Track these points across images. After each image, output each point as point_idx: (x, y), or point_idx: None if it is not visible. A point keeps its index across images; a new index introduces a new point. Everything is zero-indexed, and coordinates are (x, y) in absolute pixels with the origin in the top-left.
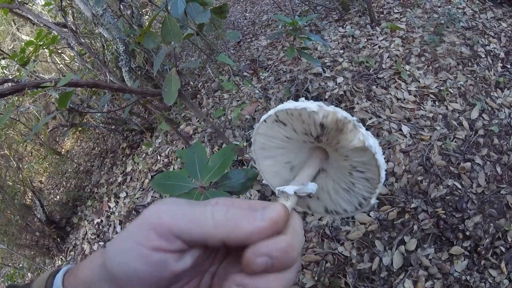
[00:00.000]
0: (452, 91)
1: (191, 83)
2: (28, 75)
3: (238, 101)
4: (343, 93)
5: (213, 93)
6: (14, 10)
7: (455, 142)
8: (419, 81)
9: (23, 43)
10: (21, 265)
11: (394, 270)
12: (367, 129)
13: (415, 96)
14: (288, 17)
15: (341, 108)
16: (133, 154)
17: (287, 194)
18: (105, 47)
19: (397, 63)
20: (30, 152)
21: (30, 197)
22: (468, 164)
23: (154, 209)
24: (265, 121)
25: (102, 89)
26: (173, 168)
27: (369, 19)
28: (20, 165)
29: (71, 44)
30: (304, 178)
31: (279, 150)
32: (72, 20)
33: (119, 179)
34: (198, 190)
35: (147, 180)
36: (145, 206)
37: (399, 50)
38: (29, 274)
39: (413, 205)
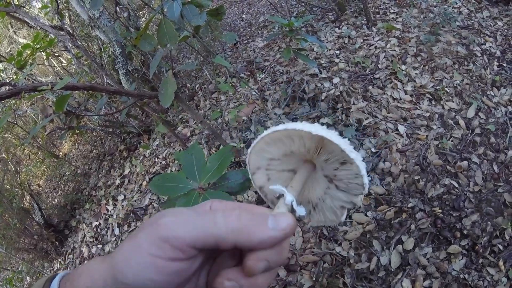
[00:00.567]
0: (448, 90)
1: (188, 85)
2: (25, 78)
3: (235, 102)
4: (339, 93)
5: (210, 95)
6: (11, 13)
7: (452, 141)
8: (415, 81)
9: (20, 46)
10: (19, 269)
11: (392, 270)
12: (363, 129)
13: (411, 95)
14: (285, 19)
15: (338, 108)
16: (130, 156)
17: (285, 201)
18: (102, 49)
19: (393, 63)
20: (28, 155)
21: (28, 200)
22: (465, 163)
23: (163, 222)
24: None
25: (99, 92)
26: (171, 170)
27: (365, 19)
28: (18, 169)
29: (68, 47)
30: (298, 184)
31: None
32: (69, 23)
33: (117, 181)
34: (197, 191)
35: (144, 183)
36: (143, 208)
37: (395, 50)
38: (28, 277)
39: (410, 205)
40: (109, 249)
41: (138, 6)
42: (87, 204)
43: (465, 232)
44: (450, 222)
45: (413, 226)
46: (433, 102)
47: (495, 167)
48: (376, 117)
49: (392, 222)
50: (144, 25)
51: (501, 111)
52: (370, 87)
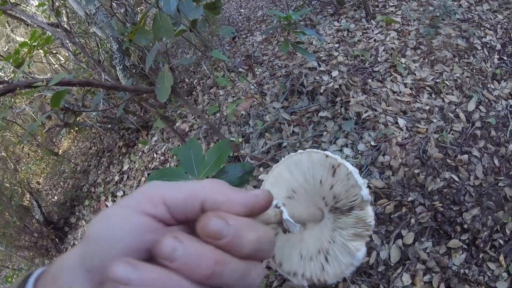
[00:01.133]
0: (448, 84)
1: (186, 80)
2: (23, 76)
3: (233, 97)
4: (338, 87)
5: (208, 89)
6: (7, 11)
7: (452, 134)
8: (415, 74)
9: (18, 45)
10: (20, 267)
11: (392, 264)
12: (363, 122)
13: (411, 89)
14: (283, 12)
15: (337, 102)
16: (129, 152)
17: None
18: (100, 46)
19: (393, 56)
20: (27, 153)
21: (27, 198)
22: (465, 156)
23: (155, 184)
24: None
25: (95, 87)
26: (170, 166)
27: (364, 12)
28: (18, 167)
29: (65, 44)
30: (302, 214)
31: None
32: (66, 20)
33: (116, 178)
34: None
35: (143, 178)
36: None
37: (394, 43)
38: None
39: (410, 198)
40: None
41: (135, 2)
42: (87, 201)
43: (465, 226)
44: (450, 216)
45: (413, 220)
46: (433, 95)
47: (496, 161)
48: (376, 110)
49: (391, 216)
50: (139, 19)
51: (501, 104)
52: (370, 80)
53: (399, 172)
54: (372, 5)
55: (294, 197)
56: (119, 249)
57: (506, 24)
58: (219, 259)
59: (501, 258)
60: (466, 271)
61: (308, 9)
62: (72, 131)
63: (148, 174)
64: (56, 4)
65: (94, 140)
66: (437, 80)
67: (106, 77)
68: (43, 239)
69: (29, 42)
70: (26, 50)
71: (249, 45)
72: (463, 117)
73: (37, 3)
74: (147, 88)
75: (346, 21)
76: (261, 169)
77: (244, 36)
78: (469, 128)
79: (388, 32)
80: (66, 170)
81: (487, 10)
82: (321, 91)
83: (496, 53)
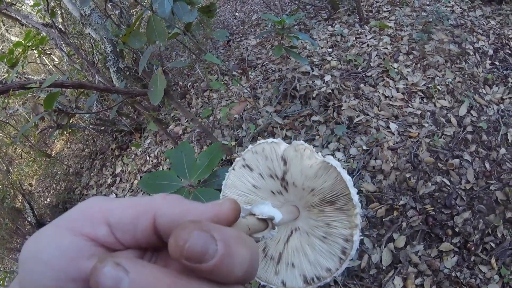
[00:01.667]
0: (440, 88)
1: (180, 83)
2: (16, 76)
3: (227, 100)
4: (331, 91)
5: (202, 93)
6: (2, 11)
7: (443, 139)
8: (407, 79)
9: (12, 44)
10: (12, 269)
11: (383, 268)
12: (355, 127)
13: (403, 93)
14: (277, 17)
15: (329, 106)
16: (122, 155)
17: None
18: (94, 47)
19: (386, 61)
20: (20, 154)
21: (20, 200)
22: (457, 160)
23: (93, 201)
24: (233, 168)
25: (88, 89)
26: (163, 169)
27: (358, 17)
28: (10, 168)
29: (60, 45)
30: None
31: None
32: (61, 20)
33: (109, 180)
34: (187, 188)
35: (136, 181)
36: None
37: (387, 48)
38: None
39: (401, 202)
40: None
41: (130, 4)
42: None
43: (456, 229)
44: (441, 219)
45: (404, 224)
46: (425, 100)
47: (487, 165)
48: (368, 114)
49: (383, 219)
50: (133, 22)
51: (493, 109)
52: (362, 85)
53: (391, 176)
54: (366, 10)
55: (257, 195)
56: (50, 277)
57: (498, 29)
58: None
59: (493, 261)
60: (458, 274)
61: (302, 14)
62: (65, 132)
63: (140, 177)
64: (51, 4)
65: (87, 142)
66: (429, 85)
67: (100, 79)
68: None
69: (23, 42)
70: (20, 50)
71: (243, 48)
72: (454, 121)
73: (32, 3)
74: (141, 90)
75: (340, 26)
76: None
77: (239, 39)
78: (461, 132)
79: (381, 37)
80: (59, 172)
81: (479, 16)
82: (314, 95)
83: (488, 58)
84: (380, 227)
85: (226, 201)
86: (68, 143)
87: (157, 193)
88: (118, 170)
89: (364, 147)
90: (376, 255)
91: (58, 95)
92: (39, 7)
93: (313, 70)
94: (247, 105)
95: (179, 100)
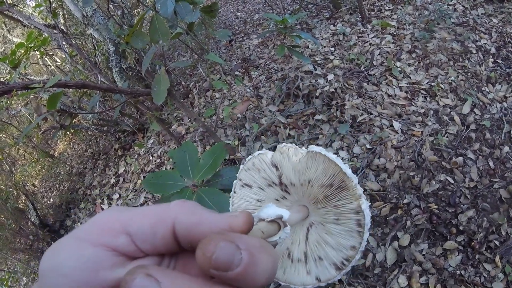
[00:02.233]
0: (443, 87)
1: (183, 83)
2: (19, 77)
3: (230, 100)
4: (334, 90)
5: (204, 92)
6: (4, 12)
7: (447, 137)
8: (410, 77)
9: (14, 46)
10: (15, 269)
11: (388, 266)
12: (358, 126)
13: (406, 92)
14: (279, 16)
15: (332, 105)
16: (125, 155)
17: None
18: (96, 48)
19: (388, 59)
20: (23, 155)
21: (23, 200)
22: (460, 159)
23: (112, 211)
24: (234, 192)
25: (91, 89)
26: (166, 169)
27: (360, 16)
28: (13, 169)
29: (62, 46)
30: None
31: None
32: (63, 21)
33: (112, 180)
34: (190, 188)
35: (139, 181)
36: (137, 207)
37: (390, 47)
38: (24, 278)
39: (405, 201)
40: None
41: (132, 4)
42: (82, 204)
43: (461, 228)
44: (445, 218)
45: (408, 222)
46: (428, 99)
47: (491, 163)
48: (371, 113)
49: (387, 218)
50: (136, 22)
51: (496, 107)
52: (365, 84)
53: (395, 174)
54: (368, 9)
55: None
56: None
57: (501, 27)
58: None
59: (497, 259)
60: (462, 272)
61: (304, 13)
62: (68, 133)
63: (144, 177)
64: (53, 5)
65: (90, 142)
66: (432, 84)
67: (103, 79)
68: (38, 241)
69: (25, 43)
70: (23, 51)
71: (245, 48)
72: (458, 120)
73: (34, 4)
74: (143, 90)
75: (342, 25)
76: None
77: (241, 39)
78: (464, 130)
79: (384, 36)
80: (62, 173)
81: (482, 14)
82: (317, 94)
83: (491, 56)
84: (385, 226)
85: (240, 213)
86: (71, 143)
87: (160, 193)
88: (121, 170)
89: (368, 146)
90: (380, 254)
91: (61, 95)
92: (41, 8)
93: (316, 69)
94: (250, 104)
95: (182, 100)
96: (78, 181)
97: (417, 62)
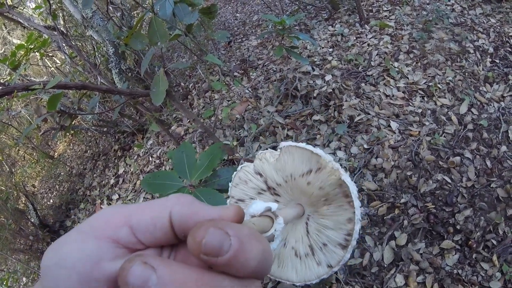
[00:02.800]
0: (440, 87)
1: (182, 84)
2: (19, 79)
3: (228, 101)
4: (332, 90)
5: (203, 93)
6: (4, 14)
7: (444, 137)
8: (407, 78)
9: (14, 47)
10: (15, 270)
11: (385, 266)
12: (356, 126)
13: (403, 92)
14: (278, 17)
15: (330, 105)
16: (125, 156)
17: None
18: (96, 49)
19: (386, 60)
20: (23, 156)
21: (23, 201)
22: (458, 158)
23: (116, 208)
24: None
25: (91, 90)
26: (165, 169)
27: (358, 17)
28: (13, 170)
29: (62, 47)
30: (291, 215)
31: None
32: (63, 23)
33: (112, 181)
34: (188, 188)
35: (139, 182)
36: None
37: (387, 48)
38: (24, 278)
39: (402, 200)
40: None
41: (132, 6)
42: (82, 204)
43: (458, 227)
44: (443, 217)
45: (405, 222)
46: (426, 99)
47: (488, 162)
48: (369, 113)
49: (384, 217)
50: (135, 24)
51: (493, 106)
52: (363, 84)
53: (392, 174)
54: (366, 10)
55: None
56: (75, 280)
57: (498, 27)
58: (211, 285)
59: (494, 258)
60: (460, 271)
61: (303, 14)
62: (68, 134)
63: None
64: (53, 7)
65: (90, 143)
66: (430, 84)
67: (102, 80)
68: (38, 242)
69: (25, 44)
70: (23, 52)
71: (244, 49)
72: (455, 119)
73: (34, 5)
74: (143, 91)
75: (340, 26)
76: None
77: (240, 40)
78: (461, 130)
79: (382, 37)
80: (62, 173)
81: (479, 14)
82: (315, 95)
83: (489, 56)
84: (382, 225)
85: (232, 205)
86: (71, 144)
87: (158, 193)
88: (120, 171)
89: (365, 146)
90: (377, 253)
91: (61, 96)
92: (41, 10)
93: (314, 70)
94: (249, 105)
95: (181, 101)
96: (77, 181)
97: (414, 63)
